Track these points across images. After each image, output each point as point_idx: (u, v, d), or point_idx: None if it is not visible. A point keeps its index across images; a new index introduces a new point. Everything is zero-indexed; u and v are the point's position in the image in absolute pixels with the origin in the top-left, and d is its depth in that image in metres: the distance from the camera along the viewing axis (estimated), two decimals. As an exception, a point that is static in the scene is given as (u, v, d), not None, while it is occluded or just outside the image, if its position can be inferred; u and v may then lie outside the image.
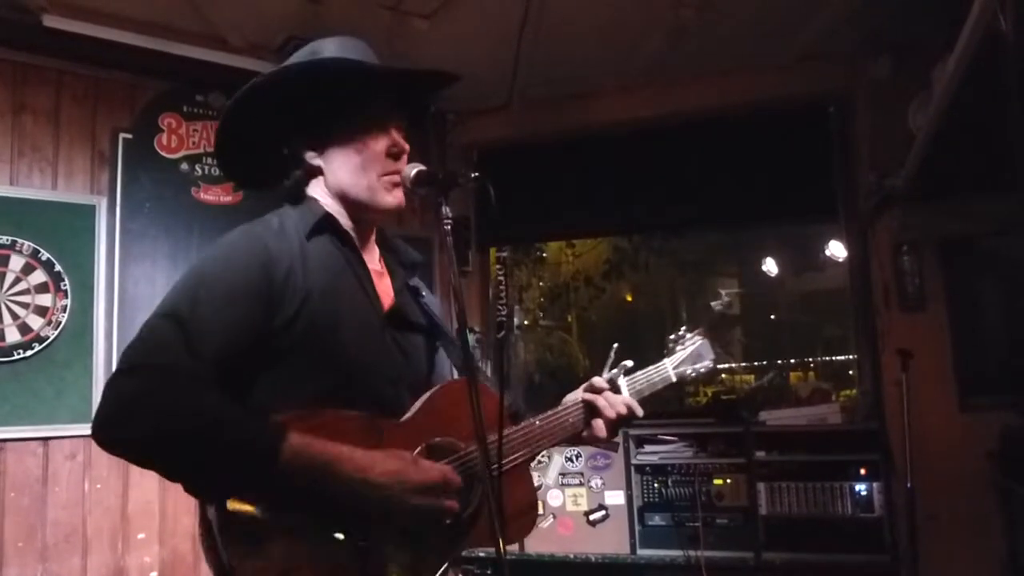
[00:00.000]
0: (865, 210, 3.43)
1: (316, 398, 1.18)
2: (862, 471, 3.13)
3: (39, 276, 2.90)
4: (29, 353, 2.84)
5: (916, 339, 3.20)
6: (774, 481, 3.21)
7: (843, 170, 3.62)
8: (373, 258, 1.42)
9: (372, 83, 1.35)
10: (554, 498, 3.47)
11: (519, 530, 1.42)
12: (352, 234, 1.36)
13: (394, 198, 1.35)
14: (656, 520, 3.35)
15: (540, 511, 3.53)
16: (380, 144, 1.34)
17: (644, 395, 1.62)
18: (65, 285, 2.93)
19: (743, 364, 7.81)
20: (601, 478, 3.43)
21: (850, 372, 5.80)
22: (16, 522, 2.77)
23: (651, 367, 1.69)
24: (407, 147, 1.36)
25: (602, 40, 3.32)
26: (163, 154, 3.21)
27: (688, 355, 1.78)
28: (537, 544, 3.44)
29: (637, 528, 3.35)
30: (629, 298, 7.63)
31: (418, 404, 1.29)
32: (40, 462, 2.84)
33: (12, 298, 2.84)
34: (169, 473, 1.09)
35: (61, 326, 2.91)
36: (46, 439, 2.85)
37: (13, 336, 2.82)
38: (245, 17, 3.02)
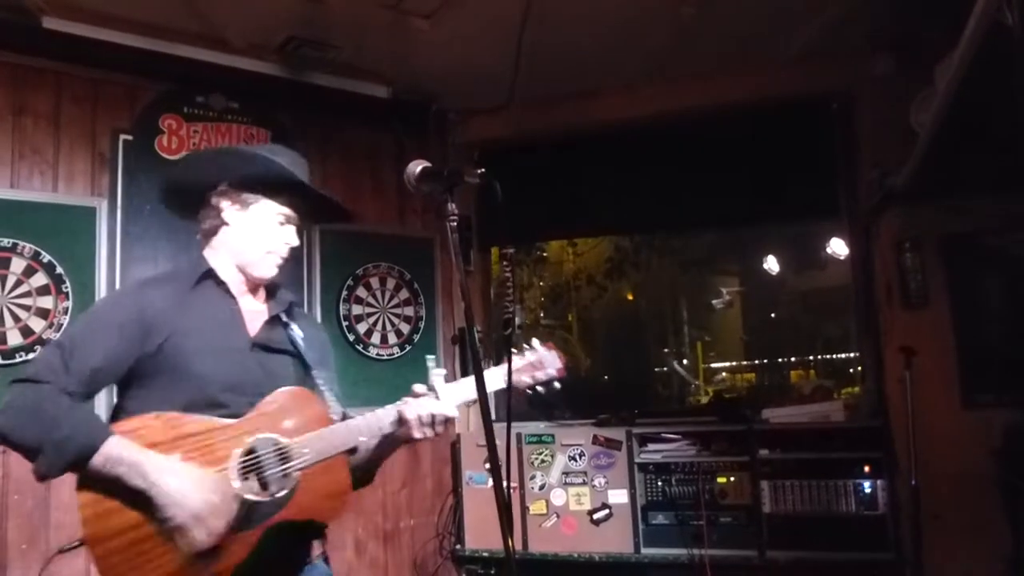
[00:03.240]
0: (867, 207, 3.43)
1: (180, 407, 1.53)
2: (866, 469, 3.13)
3: (40, 278, 2.89)
4: (31, 356, 2.82)
5: (919, 336, 3.20)
6: (777, 479, 3.20)
7: (845, 168, 3.61)
8: (258, 299, 1.77)
9: (294, 191, 1.73)
10: (557, 497, 3.46)
11: (328, 510, 1.64)
12: (231, 282, 1.71)
13: (269, 272, 1.73)
14: (660, 519, 3.34)
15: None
16: (280, 231, 1.72)
17: (464, 399, 1.70)
18: (66, 287, 2.92)
19: (744, 363, 7.81)
20: (604, 477, 3.42)
21: (850, 371, 5.80)
22: (19, 525, 2.76)
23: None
24: (297, 243, 1.75)
25: (603, 39, 3.31)
26: (164, 155, 3.20)
27: (528, 363, 1.83)
28: (541, 543, 3.43)
29: (641, 527, 3.35)
30: (630, 297, 7.62)
31: (254, 408, 1.58)
32: (43, 464, 2.83)
33: (14, 301, 2.84)
34: (25, 455, 1.46)
35: (63, 328, 2.89)
36: (48, 441, 2.83)
37: (15, 339, 2.82)
38: (245, 17, 3.01)
